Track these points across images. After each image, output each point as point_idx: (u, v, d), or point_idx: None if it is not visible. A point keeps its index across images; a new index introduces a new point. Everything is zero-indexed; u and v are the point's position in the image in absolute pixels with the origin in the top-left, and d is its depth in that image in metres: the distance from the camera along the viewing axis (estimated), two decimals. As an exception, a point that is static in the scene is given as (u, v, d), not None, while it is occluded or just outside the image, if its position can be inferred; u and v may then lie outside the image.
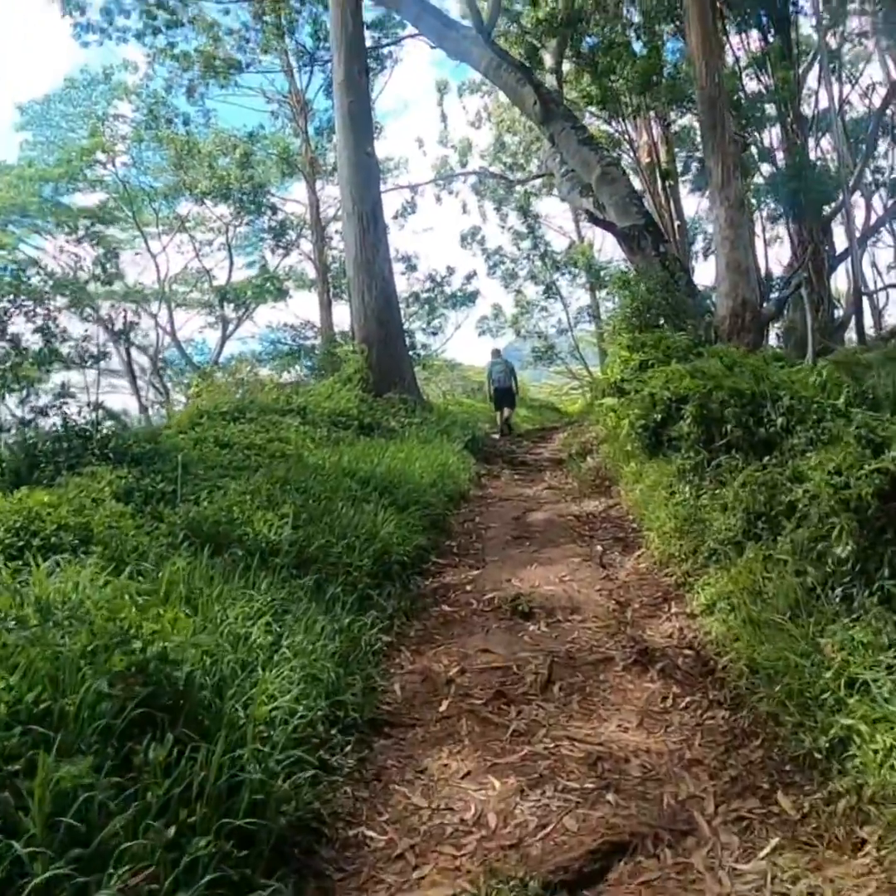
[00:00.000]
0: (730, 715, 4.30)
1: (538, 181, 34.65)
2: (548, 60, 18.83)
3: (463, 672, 4.99)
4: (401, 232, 40.82)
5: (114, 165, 31.27)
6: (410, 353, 28.94)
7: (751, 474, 5.99)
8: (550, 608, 5.94)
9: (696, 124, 21.38)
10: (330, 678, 4.23)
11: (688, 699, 4.49)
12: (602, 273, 32.20)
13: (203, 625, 3.98)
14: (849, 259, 18.38)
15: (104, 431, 7.80)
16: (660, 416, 8.37)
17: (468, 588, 6.60)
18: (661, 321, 14.50)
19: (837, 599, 4.40)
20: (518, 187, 34.27)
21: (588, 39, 18.46)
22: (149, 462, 7.29)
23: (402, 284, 29.32)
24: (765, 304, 14.47)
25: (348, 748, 4.04)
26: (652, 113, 19.39)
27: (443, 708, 4.56)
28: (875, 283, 21.83)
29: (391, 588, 6.11)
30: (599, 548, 7.46)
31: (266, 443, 8.91)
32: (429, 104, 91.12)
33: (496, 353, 20.83)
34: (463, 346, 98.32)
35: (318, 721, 3.93)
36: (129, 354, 29.39)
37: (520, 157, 35.06)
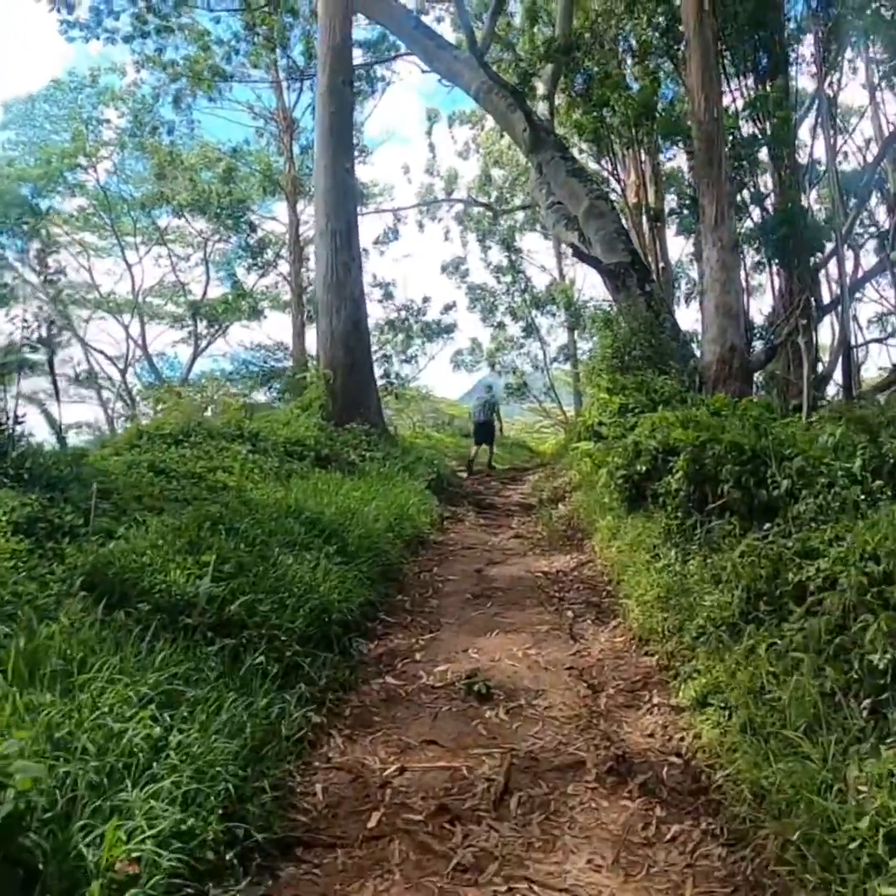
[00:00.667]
0: (728, 853, 3.43)
1: (522, 216, 34.32)
2: (540, 88, 18.20)
3: (402, 771, 4.08)
4: (381, 258, 40.24)
5: (95, 171, 30.52)
6: (384, 381, 28.49)
7: (751, 544, 5.15)
8: (511, 689, 5.05)
9: (686, 166, 20.93)
10: (232, 782, 3.33)
11: (675, 827, 3.61)
12: (582, 312, 31.65)
13: (60, 720, 3.06)
14: (836, 310, 17.87)
15: (22, 449, 6.84)
16: (644, 467, 7.55)
17: (418, 656, 5.69)
18: (643, 364, 13.78)
19: (864, 712, 3.58)
20: (502, 221, 33.79)
21: (583, 71, 17.80)
22: (65, 487, 6.33)
23: (378, 311, 28.64)
24: (753, 352, 13.77)
25: (244, 882, 3.13)
26: (642, 151, 18.80)
27: (372, 823, 3.65)
28: (856, 337, 21.28)
29: (327, 655, 5.19)
30: (570, 614, 6.57)
31: (206, 472, 7.98)
32: (417, 135, 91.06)
33: (488, 388, 20.49)
34: (439, 379, 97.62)
35: (208, 846, 3.03)
36: (90, 364, 28.51)
37: (505, 191, 34.67)
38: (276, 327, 69.33)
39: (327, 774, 4.06)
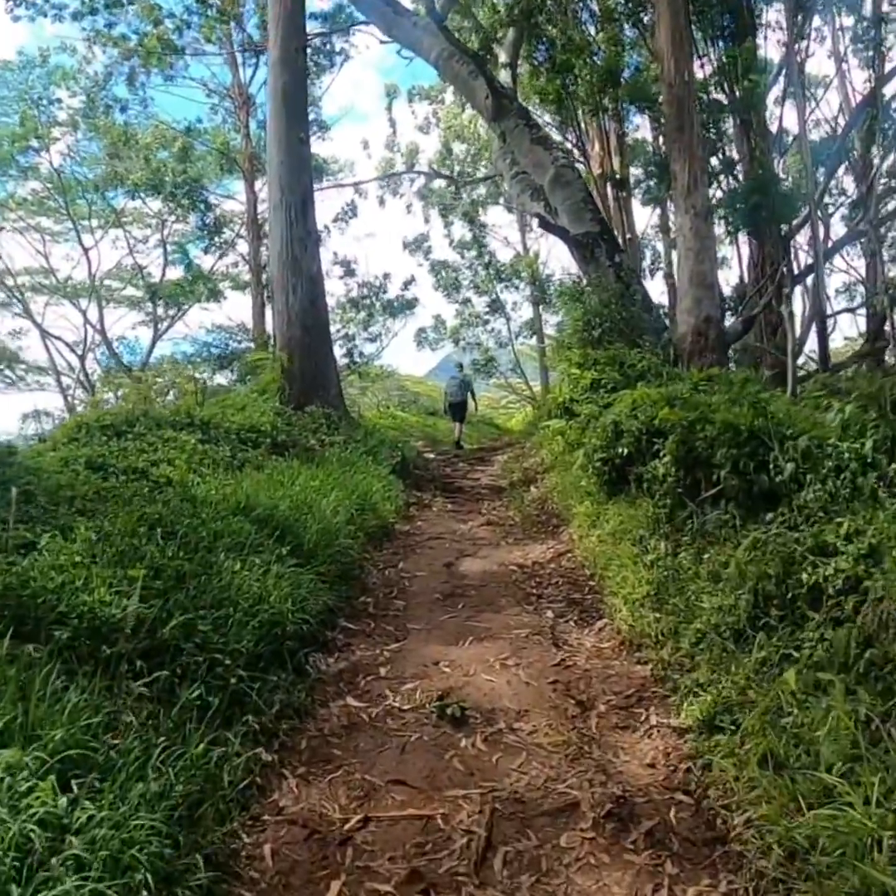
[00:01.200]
0: (758, 929, 2.85)
1: (485, 189, 33.53)
2: (502, 56, 17.37)
3: (366, 822, 3.46)
4: (342, 236, 39.23)
5: (48, 153, 29.25)
6: (348, 360, 27.69)
7: (756, 538, 4.55)
8: (489, 711, 4.41)
9: (651, 136, 20.30)
10: (156, 865, 2.68)
11: (691, 889, 3.01)
12: (547, 286, 31.02)
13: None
14: (805, 280, 17.39)
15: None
16: (626, 450, 6.94)
17: (383, 672, 5.02)
18: (615, 338, 13.18)
19: (910, 747, 3.01)
20: (464, 194, 33.02)
21: (545, 38, 17.00)
22: (-14, 490, 5.59)
23: (340, 289, 27.70)
24: (729, 323, 13.21)
25: None
26: (607, 120, 18.05)
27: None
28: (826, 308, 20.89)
29: (280, 676, 4.53)
30: (550, 615, 5.94)
31: (149, 466, 7.23)
32: (376, 111, 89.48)
33: (459, 367, 21.47)
34: (404, 357, 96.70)
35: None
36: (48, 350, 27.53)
37: (467, 165, 33.86)
38: (237, 308, 68.13)
39: (278, 830, 3.40)
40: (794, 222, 16.33)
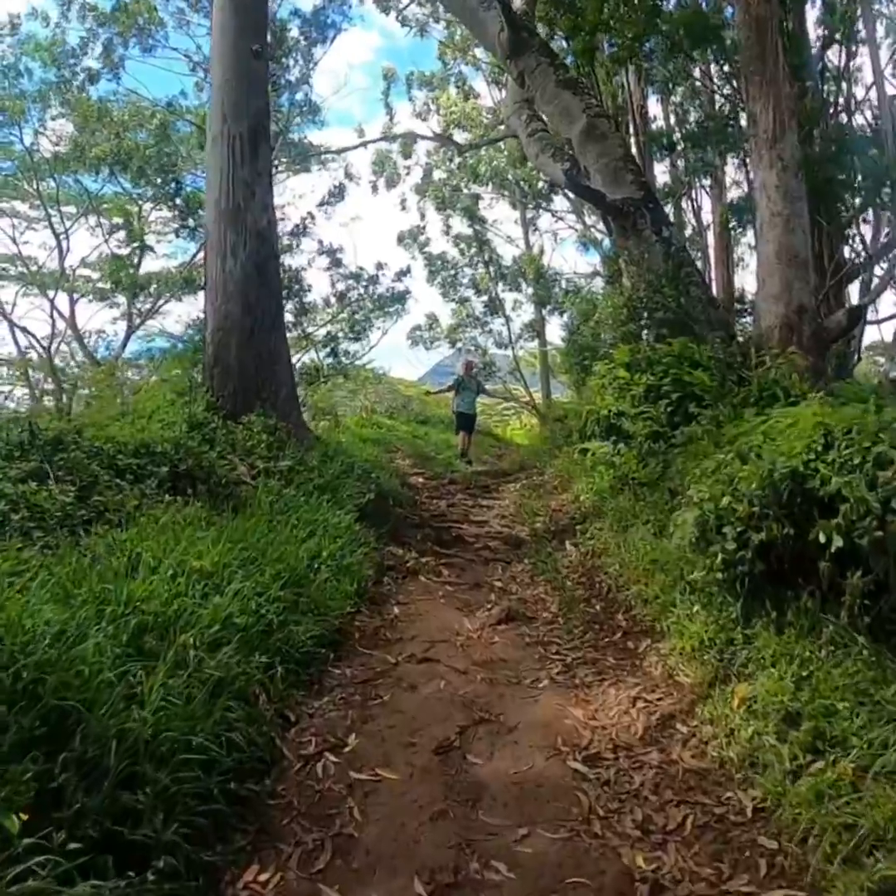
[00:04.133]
0: None
1: (487, 196, 29.90)
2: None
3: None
4: (328, 222, 35.27)
5: (19, 130, 25.33)
6: (333, 360, 23.84)
7: None
8: None
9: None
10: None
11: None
12: (552, 285, 27.37)
13: None
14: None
15: None
16: (779, 528, 3.23)
17: None
18: (669, 331, 9.52)
19: None
20: (464, 189, 29.34)
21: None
22: None
23: (325, 282, 23.84)
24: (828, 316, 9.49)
25: None
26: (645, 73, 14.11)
27: None
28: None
29: None
30: None
31: None
32: (370, 101, 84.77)
33: (468, 366, 16.63)
34: (395, 359, 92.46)
35: None
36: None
37: (469, 156, 30.15)
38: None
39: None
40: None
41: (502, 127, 22.95)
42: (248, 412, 7.70)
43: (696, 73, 13.12)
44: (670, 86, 13.73)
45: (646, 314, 9.97)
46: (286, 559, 4.85)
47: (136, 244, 23.33)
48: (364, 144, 26.91)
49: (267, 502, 5.94)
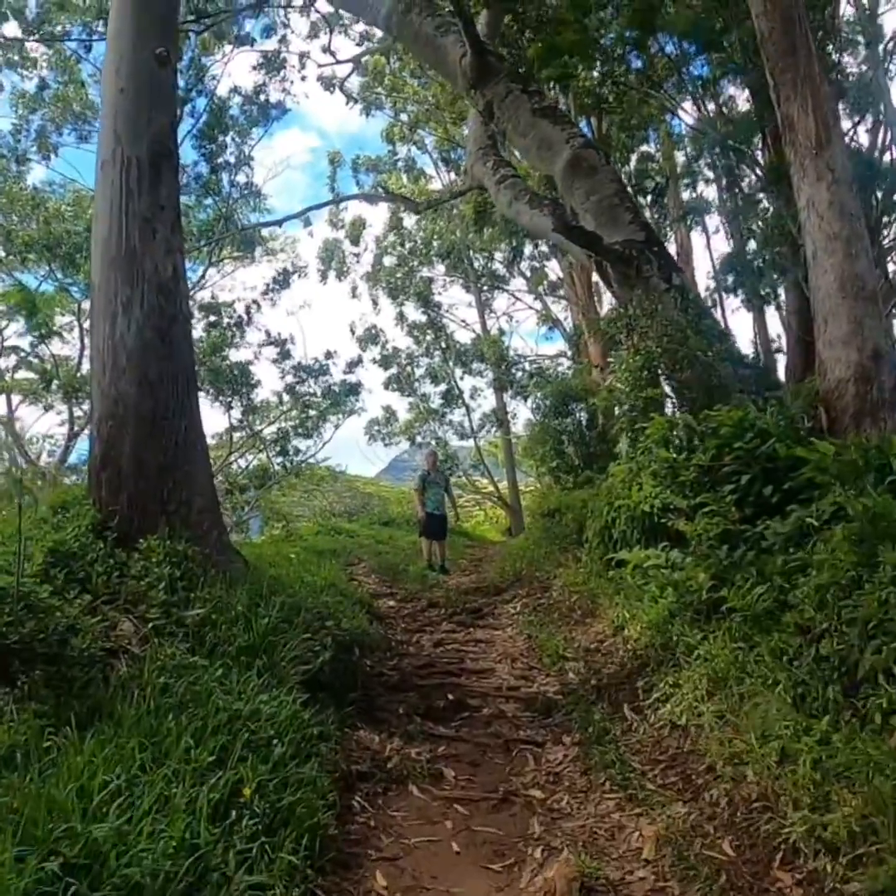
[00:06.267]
0: None
1: (441, 275, 28.28)
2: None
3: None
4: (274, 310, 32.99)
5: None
6: (283, 459, 21.43)
7: None
8: None
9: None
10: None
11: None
12: (513, 369, 25.43)
13: None
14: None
15: None
16: None
17: None
18: (699, 395, 7.35)
19: None
20: (416, 274, 27.64)
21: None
22: None
23: (273, 374, 21.53)
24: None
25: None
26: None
27: None
28: None
29: None
30: None
31: None
32: (313, 186, 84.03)
33: (431, 457, 13.44)
34: (351, 456, 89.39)
35: None
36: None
37: (420, 243, 28.62)
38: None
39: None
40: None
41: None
42: (149, 532, 5.19)
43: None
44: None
45: (666, 375, 7.83)
46: (172, 822, 2.38)
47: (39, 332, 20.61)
48: (313, 208, 24.69)
49: (155, 691, 3.43)
